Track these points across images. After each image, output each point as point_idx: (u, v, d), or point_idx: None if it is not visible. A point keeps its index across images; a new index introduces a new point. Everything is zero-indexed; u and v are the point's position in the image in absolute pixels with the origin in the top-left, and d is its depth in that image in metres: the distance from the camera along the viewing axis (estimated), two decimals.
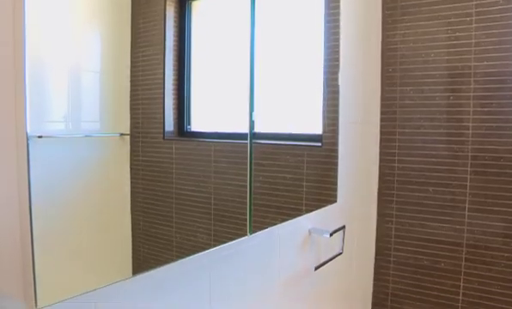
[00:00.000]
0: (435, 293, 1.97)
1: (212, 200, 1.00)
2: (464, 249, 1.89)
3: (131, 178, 0.79)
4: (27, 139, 0.58)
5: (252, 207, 1.08)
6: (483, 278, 1.87)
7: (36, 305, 0.60)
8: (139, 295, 0.87)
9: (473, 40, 1.82)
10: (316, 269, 1.55)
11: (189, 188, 0.94)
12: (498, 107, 1.79)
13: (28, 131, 0.60)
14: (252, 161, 1.08)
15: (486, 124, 1.81)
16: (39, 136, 0.63)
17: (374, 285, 2.11)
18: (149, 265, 0.82)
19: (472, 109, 1.83)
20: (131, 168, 0.79)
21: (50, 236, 0.64)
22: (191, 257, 0.91)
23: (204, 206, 0.97)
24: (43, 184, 0.63)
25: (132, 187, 0.79)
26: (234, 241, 1.03)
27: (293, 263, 1.44)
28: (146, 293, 0.89)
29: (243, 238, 1.06)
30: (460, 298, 1.91)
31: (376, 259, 2.09)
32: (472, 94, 1.83)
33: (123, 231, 0.79)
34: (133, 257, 0.80)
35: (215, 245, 1.09)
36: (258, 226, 1.10)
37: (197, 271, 1.02)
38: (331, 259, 1.61)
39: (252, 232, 1.08)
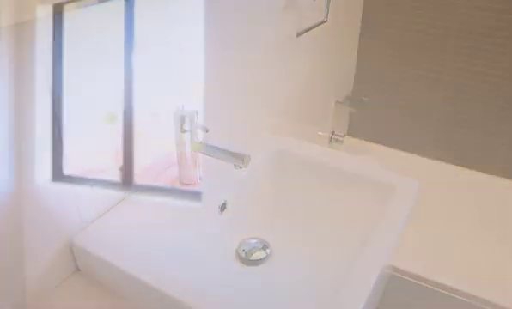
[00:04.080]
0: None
1: None
2: None
3: None
4: None
5: None
6: None
7: None
8: None
9: None
10: (298, 35, 1.42)
11: None
12: None
13: None
14: None
15: None
16: None
17: (358, 65, 2.01)
18: None
19: None
20: None
21: None
22: None
23: None
24: None
25: None
26: None
27: (272, 26, 1.30)
28: None
29: None
30: None
31: (361, 35, 1.96)
32: None
33: None
34: None
35: None
36: None
37: None
38: (314, 26, 1.47)
39: None
